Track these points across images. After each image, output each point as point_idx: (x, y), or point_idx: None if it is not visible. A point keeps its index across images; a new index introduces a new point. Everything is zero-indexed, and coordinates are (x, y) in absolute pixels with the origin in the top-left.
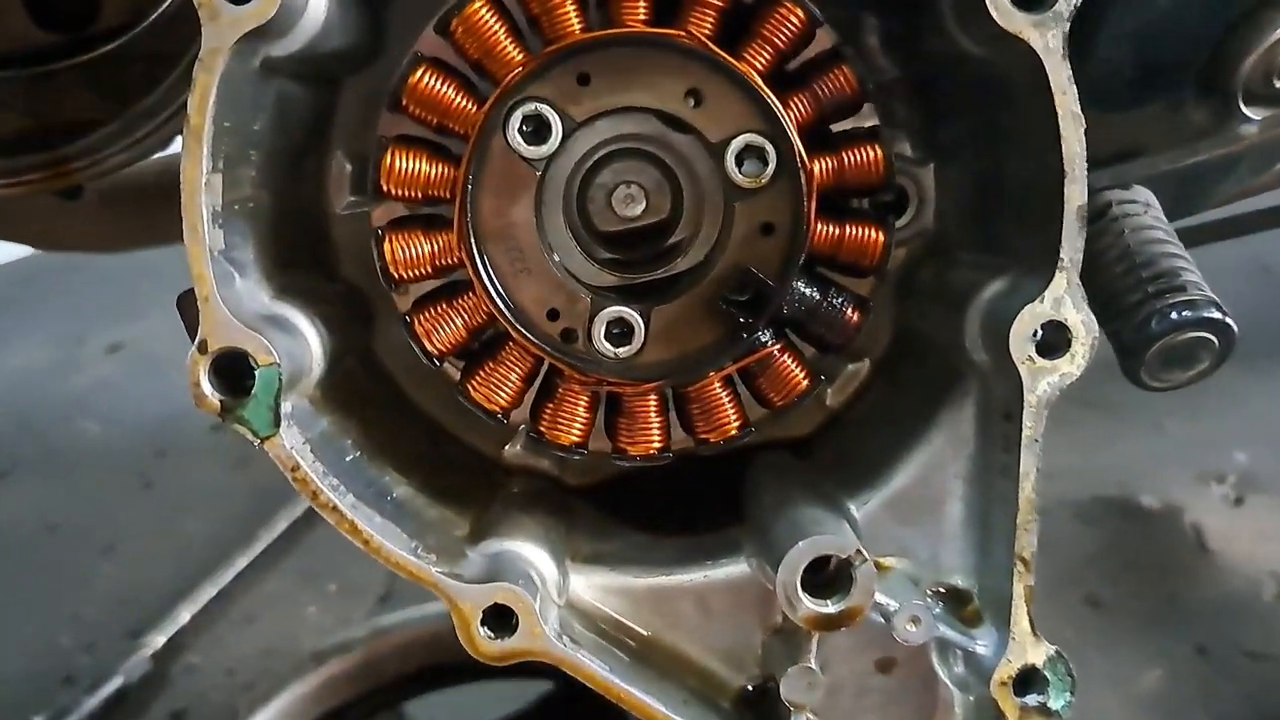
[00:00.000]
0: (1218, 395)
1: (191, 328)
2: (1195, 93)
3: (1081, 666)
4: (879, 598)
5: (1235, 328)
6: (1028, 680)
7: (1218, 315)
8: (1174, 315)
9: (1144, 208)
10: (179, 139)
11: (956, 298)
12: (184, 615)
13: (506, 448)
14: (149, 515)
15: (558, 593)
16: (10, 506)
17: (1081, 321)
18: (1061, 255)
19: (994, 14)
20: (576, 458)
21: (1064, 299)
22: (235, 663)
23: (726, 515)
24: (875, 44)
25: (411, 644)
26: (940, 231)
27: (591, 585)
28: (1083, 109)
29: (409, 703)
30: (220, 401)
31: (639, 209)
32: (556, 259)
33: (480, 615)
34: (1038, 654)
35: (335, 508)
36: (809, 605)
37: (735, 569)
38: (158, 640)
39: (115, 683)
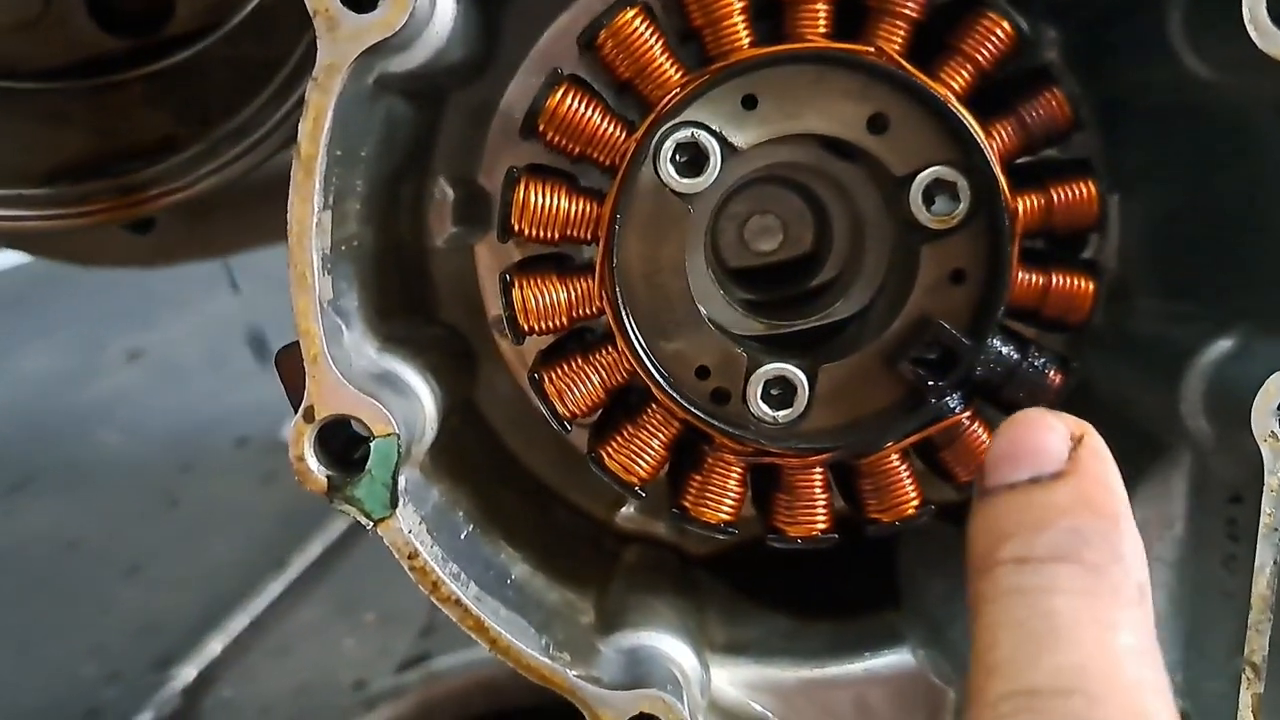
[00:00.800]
0: None
1: (293, 389)
2: None
3: None
4: None
5: None
6: None
7: None
8: None
9: None
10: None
11: (1163, 356)
12: (215, 646)
13: (620, 510)
14: (174, 535)
15: (701, 692)
16: (28, 522)
17: None
18: None
19: (1252, 33)
20: (721, 537)
21: None
22: (270, 699)
23: (877, 594)
24: (1056, 60)
25: (465, 690)
26: (1124, 274)
27: (735, 680)
28: None
29: None
30: (328, 478)
31: (775, 241)
32: (702, 310)
33: None
34: None
35: (459, 601)
36: None
37: (899, 660)
38: (188, 673)
39: (145, 718)
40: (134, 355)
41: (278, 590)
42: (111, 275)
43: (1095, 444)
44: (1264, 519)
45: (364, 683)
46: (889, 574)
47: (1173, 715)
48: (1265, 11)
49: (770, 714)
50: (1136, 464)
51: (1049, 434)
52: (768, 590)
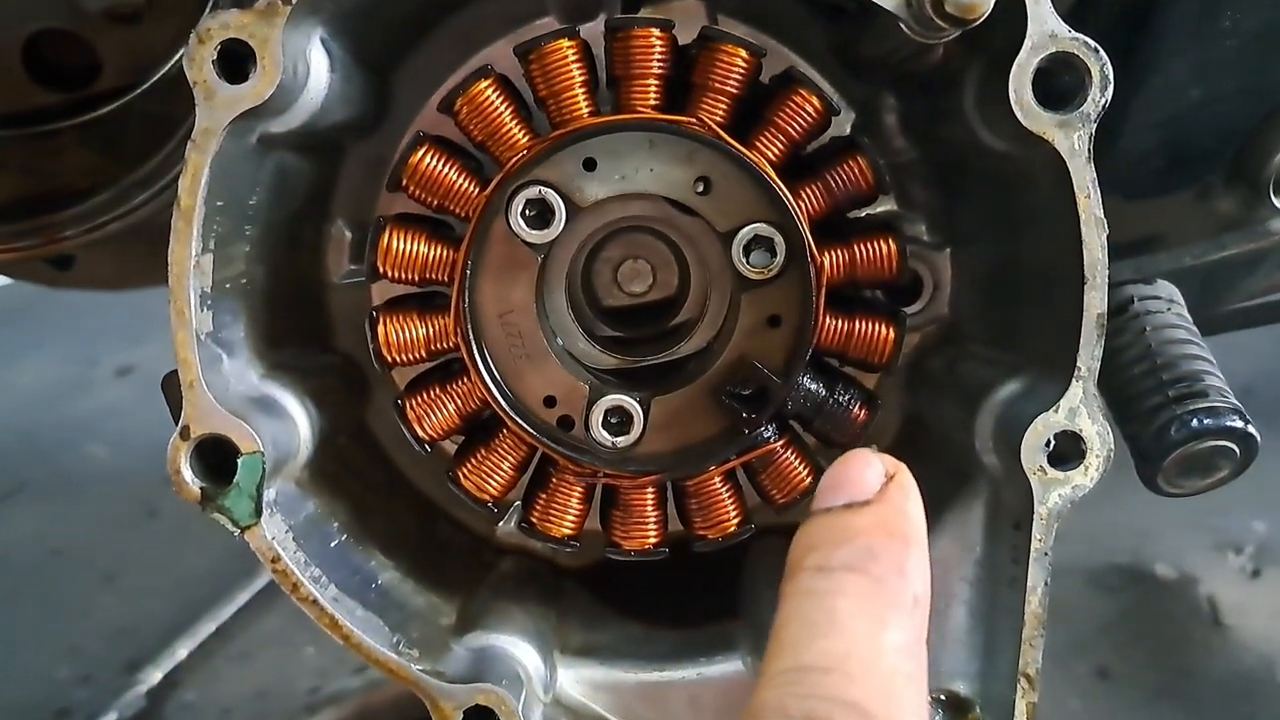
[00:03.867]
0: None
1: (175, 411)
2: (1223, 183)
3: None
4: None
5: (1258, 437)
6: None
7: (1240, 424)
8: (1194, 423)
9: (1167, 304)
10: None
11: (969, 395)
12: (181, 651)
13: (499, 526)
14: (152, 544)
15: (544, 689)
16: (15, 528)
17: (1097, 433)
18: (1079, 365)
19: (1018, 112)
20: (568, 550)
21: (1079, 408)
22: (231, 701)
23: (724, 606)
24: (895, 124)
25: (406, 698)
26: (954, 320)
27: (580, 680)
28: (1105, 196)
29: None
30: (201, 489)
31: (646, 284)
32: (559, 342)
33: (460, 717)
34: None
35: (315, 601)
36: None
37: (730, 667)
38: (154, 676)
39: (110, 718)
40: (124, 371)
41: (245, 598)
42: (104, 294)
43: (903, 479)
44: (1034, 544)
45: (319, 689)
46: (730, 591)
47: (922, 703)
48: (1030, 94)
49: (607, 714)
50: (946, 494)
51: (866, 469)
52: (625, 601)
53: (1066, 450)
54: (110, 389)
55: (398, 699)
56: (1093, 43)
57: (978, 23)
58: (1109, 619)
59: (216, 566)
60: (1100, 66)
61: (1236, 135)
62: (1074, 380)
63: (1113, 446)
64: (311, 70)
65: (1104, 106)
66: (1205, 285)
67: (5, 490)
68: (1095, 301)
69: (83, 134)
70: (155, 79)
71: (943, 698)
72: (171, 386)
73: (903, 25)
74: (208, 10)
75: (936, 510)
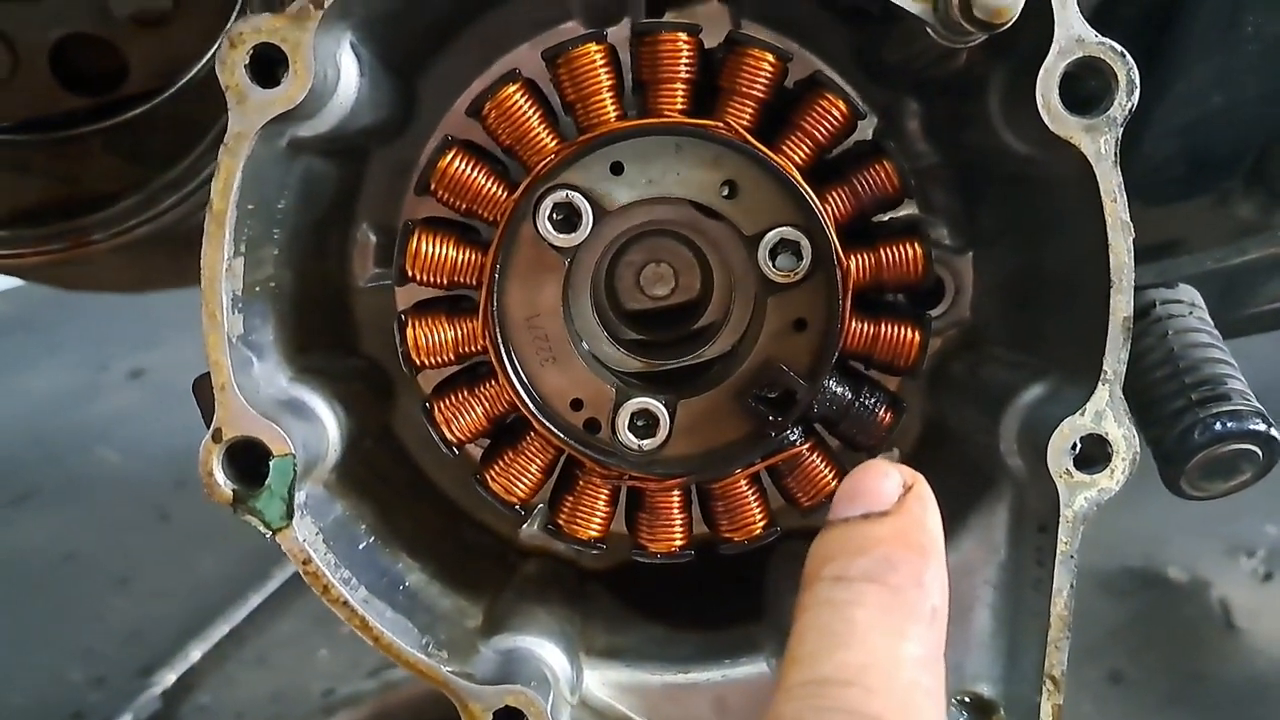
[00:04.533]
0: None
1: (206, 413)
2: (1242, 188)
3: None
4: None
5: None
6: None
7: (1263, 427)
8: (1218, 426)
9: (1189, 308)
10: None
11: (993, 399)
12: (195, 654)
13: (523, 528)
14: (165, 548)
15: (570, 691)
16: (29, 532)
17: (1123, 436)
18: (1105, 368)
19: (1044, 117)
20: (594, 552)
21: (1105, 412)
22: (245, 705)
23: (748, 608)
24: (917, 128)
25: (422, 700)
26: (976, 324)
27: (605, 682)
28: (1128, 200)
29: None
30: (233, 492)
31: (668, 288)
32: (584, 346)
33: (490, 718)
34: None
35: (346, 602)
36: None
37: (755, 669)
38: (168, 678)
39: None
40: (135, 375)
41: (258, 602)
42: (116, 298)
43: (921, 490)
44: (1060, 547)
45: (333, 691)
46: (754, 593)
47: (941, 716)
48: (1057, 98)
49: (633, 715)
50: (969, 497)
51: (884, 480)
52: (649, 603)
53: (1093, 453)
54: (121, 393)
55: (413, 701)
56: (1119, 47)
57: (1005, 27)
58: (1121, 623)
59: (229, 570)
60: (1127, 71)
61: (1256, 141)
62: (1100, 383)
63: (1139, 450)
64: (342, 74)
65: (1130, 111)
66: (1226, 289)
67: (18, 494)
68: (1122, 305)
69: (109, 138)
70: (182, 83)
71: (967, 700)
72: (203, 389)
73: (929, 29)
74: (235, 14)
75: (960, 513)
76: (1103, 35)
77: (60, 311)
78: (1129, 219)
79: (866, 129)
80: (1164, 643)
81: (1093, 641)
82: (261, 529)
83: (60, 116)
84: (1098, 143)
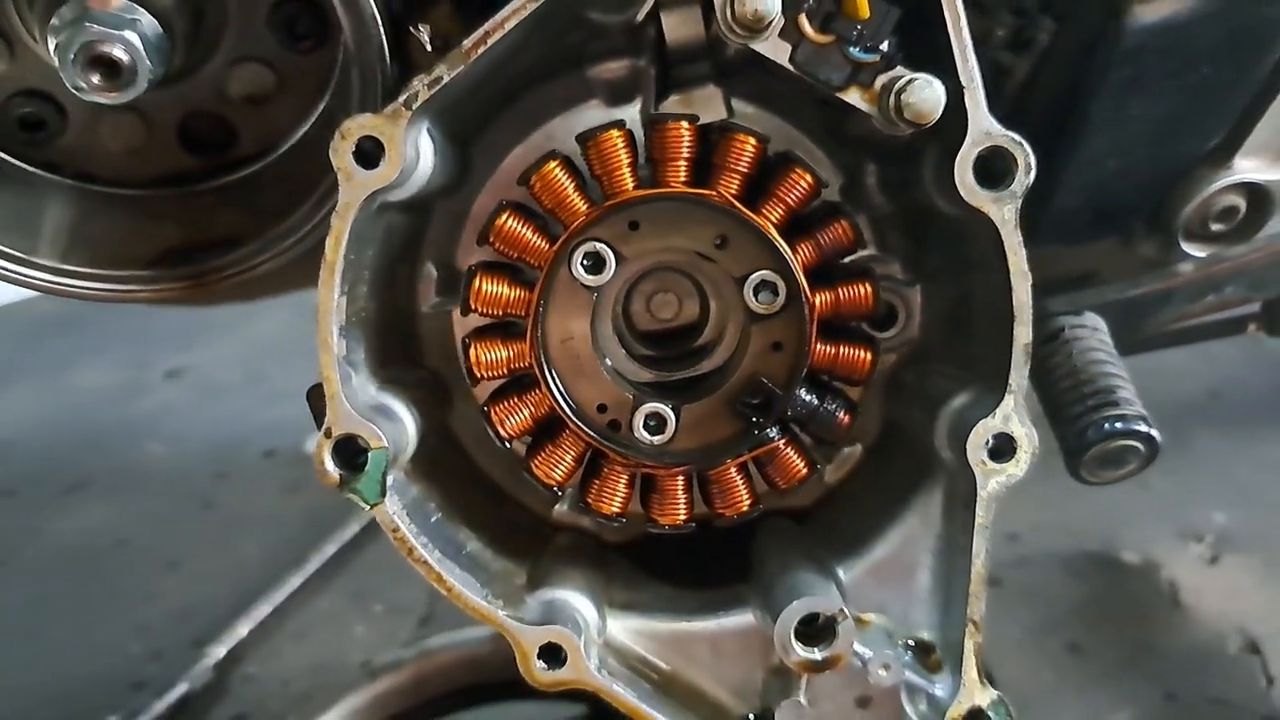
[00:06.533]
0: (1203, 458)
1: (318, 416)
2: (1144, 230)
3: (1059, 707)
4: (858, 647)
5: (1159, 438)
6: (974, 719)
7: (1144, 428)
8: (1107, 426)
9: (1091, 332)
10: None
11: (931, 403)
12: (243, 629)
13: (555, 508)
14: (210, 535)
15: (598, 633)
16: (83, 520)
17: (1025, 434)
18: (1010, 382)
19: (961, 191)
20: (615, 525)
21: (1011, 415)
22: (289, 674)
23: (737, 572)
24: (874, 184)
25: (455, 664)
26: (924, 342)
27: (624, 628)
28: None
29: (450, 717)
30: (339, 476)
31: (673, 311)
32: (608, 362)
33: (537, 651)
34: (984, 698)
35: (426, 562)
36: (800, 652)
37: (743, 619)
38: (219, 651)
39: (181, 688)
40: (177, 373)
41: (298, 583)
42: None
43: None
44: (978, 520)
45: (370, 662)
46: (742, 558)
47: None
48: (971, 177)
49: (648, 654)
50: (914, 482)
51: None
52: (658, 567)
53: (1002, 447)
54: (163, 390)
55: (447, 666)
56: (1019, 138)
57: (929, 125)
58: (1079, 600)
59: (269, 555)
60: (1025, 157)
61: (1150, 194)
62: (1007, 393)
63: (1038, 445)
64: (421, 154)
65: (1028, 186)
66: (1126, 315)
67: (71, 485)
68: (1023, 334)
69: (223, 194)
70: (286, 147)
71: (912, 643)
72: (315, 397)
73: (875, 122)
74: (329, 94)
75: (907, 495)
76: (1008, 129)
77: (101, 314)
78: (1027, 269)
79: (835, 187)
80: (1118, 618)
81: (1054, 616)
82: (361, 505)
83: (183, 175)
84: (1003, 210)
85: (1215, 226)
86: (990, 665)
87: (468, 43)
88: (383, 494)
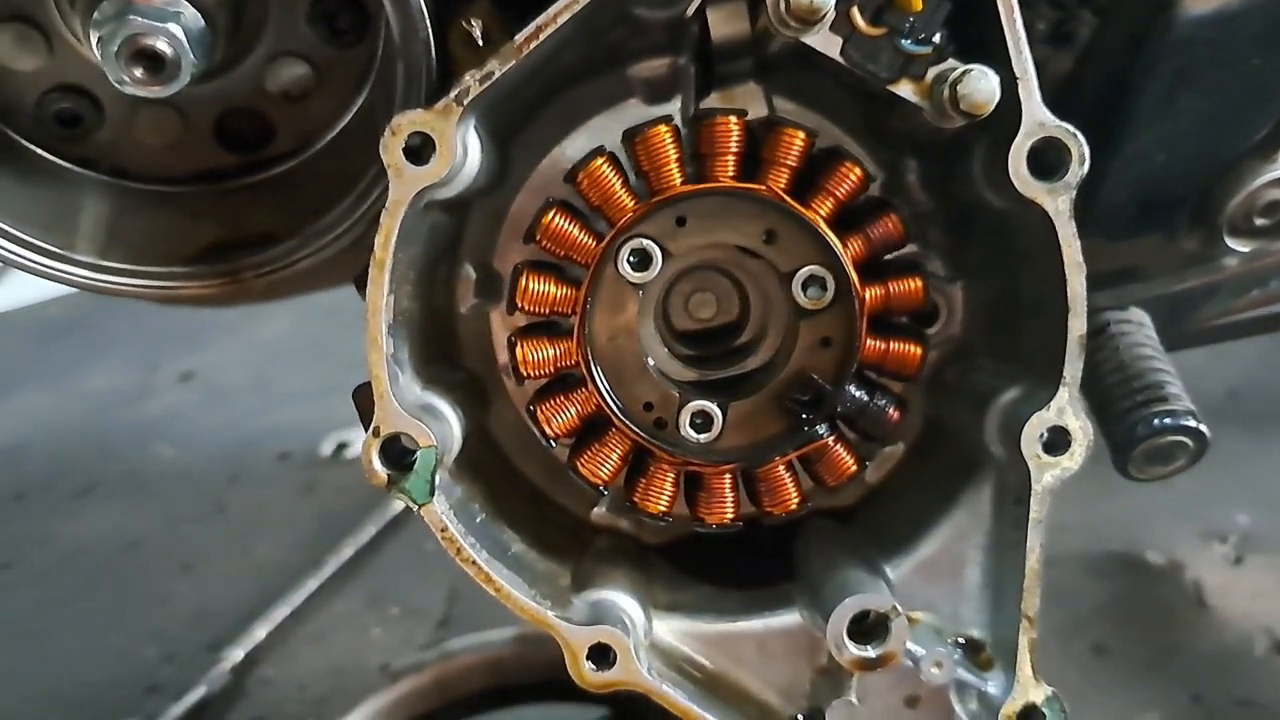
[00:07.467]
0: (1225, 459)
1: (365, 415)
2: (1188, 224)
3: (1085, 709)
4: (909, 645)
5: (1208, 433)
6: (1029, 716)
7: (1193, 423)
8: (1156, 422)
9: (1138, 327)
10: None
11: (979, 399)
12: (259, 632)
13: (594, 510)
14: (223, 537)
15: (644, 634)
16: (92, 524)
17: (1080, 427)
18: (1065, 375)
19: (1015, 182)
20: (662, 524)
21: (1066, 409)
22: (307, 678)
23: (781, 571)
24: (916, 182)
25: (476, 667)
26: (966, 339)
27: (669, 629)
28: (1089, 237)
29: None
30: (388, 476)
31: (710, 312)
32: (651, 361)
33: (586, 651)
34: (1038, 694)
35: (474, 561)
36: (853, 650)
37: (789, 619)
38: (236, 654)
39: (198, 692)
40: (186, 376)
41: (314, 586)
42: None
43: None
44: (1032, 515)
45: (388, 665)
46: (786, 557)
47: None
48: (1025, 168)
49: (694, 654)
50: (960, 478)
51: None
52: (699, 568)
53: (1057, 441)
54: (173, 392)
55: (468, 668)
56: (1073, 129)
57: (983, 117)
58: (1104, 601)
59: (283, 557)
60: (1079, 147)
61: (1195, 189)
62: (1061, 386)
63: (1093, 438)
64: (469, 151)
65: (1083, 177)
66: (1171, 310)
67: (81, 488)
68: (1077, 326)
69: (259, 190)
70: (322, 143)
71: (961, 641)
72: (362, 396)
73: (926, 115)
74: (367, 90)
75: (953, 492)
76: (1061, 120)
77: (111, 316)
78: (1082, 260)
79: (877, 184)
80: (1143, 619)
81: (1079, 617)
82: (410, 505)
83: (220, 171)
84: (1057, 202)
85: (1260, 221)
86: None
87: (520, 37)
88: (431, 493)
